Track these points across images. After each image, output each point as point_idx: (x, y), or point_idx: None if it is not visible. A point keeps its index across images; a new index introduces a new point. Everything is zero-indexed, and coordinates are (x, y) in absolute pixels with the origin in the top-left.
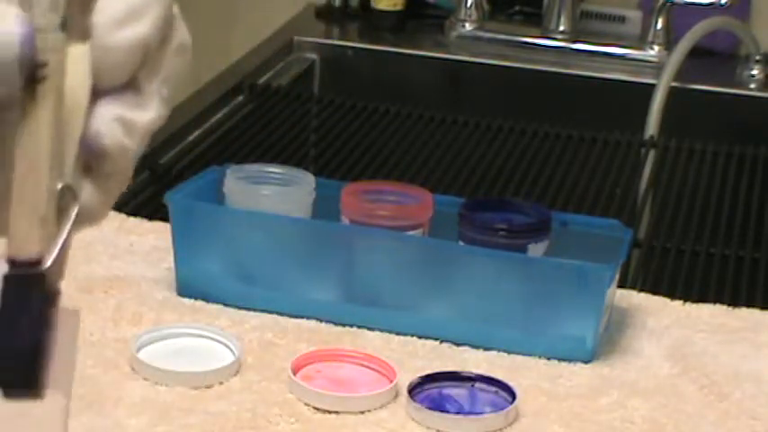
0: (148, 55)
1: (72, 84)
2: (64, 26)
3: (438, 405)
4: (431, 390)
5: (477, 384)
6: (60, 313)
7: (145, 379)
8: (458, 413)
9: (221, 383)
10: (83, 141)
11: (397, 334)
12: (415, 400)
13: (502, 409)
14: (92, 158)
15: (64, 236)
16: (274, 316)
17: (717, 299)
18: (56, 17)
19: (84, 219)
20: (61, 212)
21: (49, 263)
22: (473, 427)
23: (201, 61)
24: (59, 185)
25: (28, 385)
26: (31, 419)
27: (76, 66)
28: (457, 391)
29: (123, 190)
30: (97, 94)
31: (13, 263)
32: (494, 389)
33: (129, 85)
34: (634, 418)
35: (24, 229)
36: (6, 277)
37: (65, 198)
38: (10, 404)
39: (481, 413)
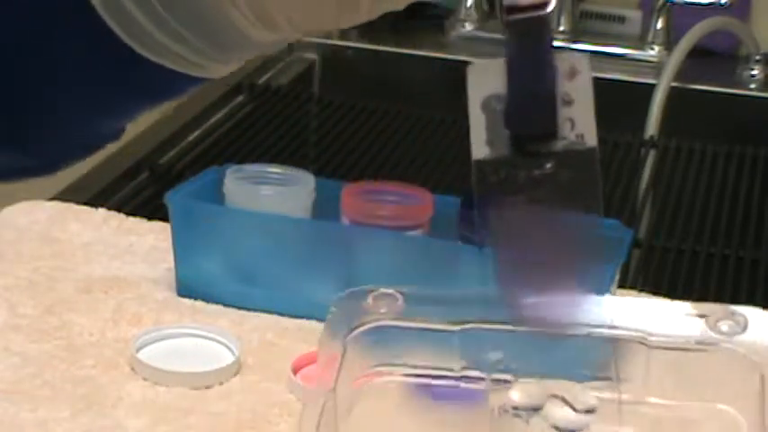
0: None
1: None
2: None
3: None
4: None
5: None
6: (571, 58)
7: (145, 379)
8: None
9: (221, 384)
10: None
11: None
12: None
13: None
14: None
15: None
16: (274, 316)
17: (717, 299)
18: None
19: None
20: None
21: (552, 4)
22: None
23: None
24: None
25: (547, 130)
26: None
27: None
28: None
29: None
30: None
31: (514, 8)
32: None
33: None
34: None
35: None
36: (512, 23)
37: None
38: None
39: None
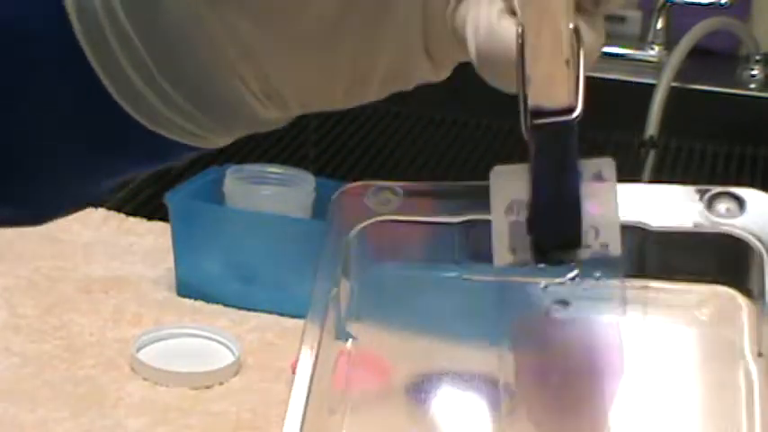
0: None
1: None
2: None
3: None
4: None
5: None
6: (597, 164)
7: (145, 379)
8: None
9: (221, 383)
10: None
11: None
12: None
13: None
14: None
15: (582, 80)
16: (274, 316)
17: None
18: None
19: (587, 61)
20: (573, 55)
21: (579, 110)
22: None
23: None
24: (571, 26)
25: (571, 239)
26: None
27: None
28: None
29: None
30: None
31: (539, 113)
32: None
33: None
34: None
35: (548, 75)
36: (536, 128)
37: (573, 40)
38: None
39: None
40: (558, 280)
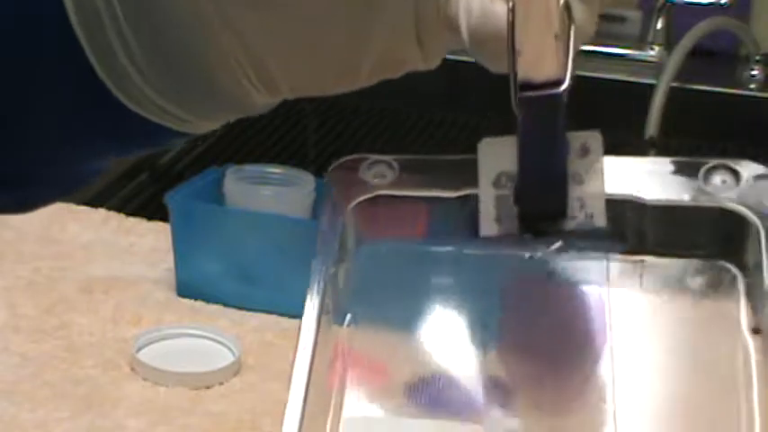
0: None
1: None
2: None
3: None
4: None
5: None
6: (584, 136)
7: (145, 379)
8: None
9: (221, 384)
10: None
11: None
12: None
13: None
14: None
15: (572, 55)
16: (274, 316)
17: None
18: None
19: (578, 38)
20: (563, 31)
21: (567, 83)
22: None
23: None
24: (561, 1)
25: (557, 210)
26: None
27: None
28: None
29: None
30: None
31: (528, 85)
32: None
33: None
34: None
35: (538, 48)
36: (525, 100)
37: (564, 16)
38: None
39: None
40: (546, 250)
